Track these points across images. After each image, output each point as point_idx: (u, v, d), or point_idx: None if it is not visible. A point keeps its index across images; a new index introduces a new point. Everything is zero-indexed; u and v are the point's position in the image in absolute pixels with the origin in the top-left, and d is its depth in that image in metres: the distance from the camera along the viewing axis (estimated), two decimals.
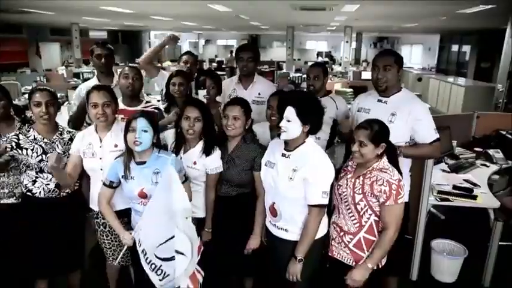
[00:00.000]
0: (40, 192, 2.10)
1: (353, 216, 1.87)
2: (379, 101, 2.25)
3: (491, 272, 2.78)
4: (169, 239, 1.79)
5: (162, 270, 1.86)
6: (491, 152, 3.68)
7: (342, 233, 1.93)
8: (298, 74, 9.93)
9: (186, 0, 6.38)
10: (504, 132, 3.95)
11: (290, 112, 1.77)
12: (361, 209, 1.84)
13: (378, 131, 1.79)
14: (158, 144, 1.98)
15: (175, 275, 1.80)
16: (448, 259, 2.86)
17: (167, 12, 8.52)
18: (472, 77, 12.02)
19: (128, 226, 2.07)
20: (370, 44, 19.43)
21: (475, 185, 2.98)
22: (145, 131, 1.84)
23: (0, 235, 2.19)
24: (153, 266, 1.87)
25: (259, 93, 2.85)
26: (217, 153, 2.12)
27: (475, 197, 2.74)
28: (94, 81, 2.88)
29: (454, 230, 3.15)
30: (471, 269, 2.86)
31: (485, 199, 2.77)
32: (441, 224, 3.49)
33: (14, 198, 2.21)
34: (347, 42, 11.59)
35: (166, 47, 3.23)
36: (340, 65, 12.92)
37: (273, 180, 1.90)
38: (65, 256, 2.23)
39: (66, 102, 5.16)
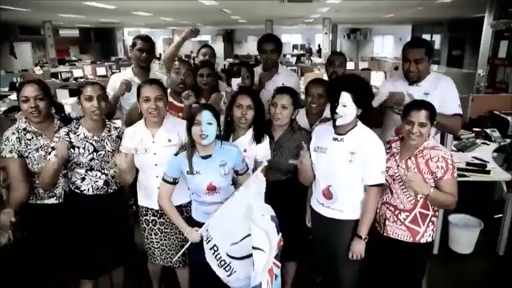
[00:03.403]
0: (88, 189, 2.05)
1: (408, 194, 1.94)
2: (410, 84, 2.33)
3: (506, 241, 3.00)
4: (245, 237, 1.84)
5: (230, 267, 1.91)
6: (489, 131, 3.94)
7: (396, 212, 1.99)
8: None
9: None
10: (498, 113, 4.24)
11: (346, 97, 1.81)
12: None
13: (433, 110, 1.87)
14: (219, 136, 1.96)
15: (255, 271, 1.77)
16: (465, 231, 3.05)
17: (151, 6, 8.32)
18: (445, 64, 12.54)
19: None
20: (343, 36, 19.80)
21: (484, 161, 3.18)
22: (210, 124, 1.83)
23: (42, 236, 2.13)
24: (222, 263, 1.90)
25: (282, 84, 2.69)
26: (267, 141, 2.13)
27: (488, 172, 2.93)
28: (129, 73, 2.81)
29: (463, 205, 3.35)
30: (484, 240, 3.06)
31: (497, 173, 2.97)
32: None
33: (55, 198, 2.14)
34: (326, 34, 11.79)
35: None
36: (320, 56, 13.20)
37: (328, 165, 1.94)
38: (112, 252, 2.18)
39: None
